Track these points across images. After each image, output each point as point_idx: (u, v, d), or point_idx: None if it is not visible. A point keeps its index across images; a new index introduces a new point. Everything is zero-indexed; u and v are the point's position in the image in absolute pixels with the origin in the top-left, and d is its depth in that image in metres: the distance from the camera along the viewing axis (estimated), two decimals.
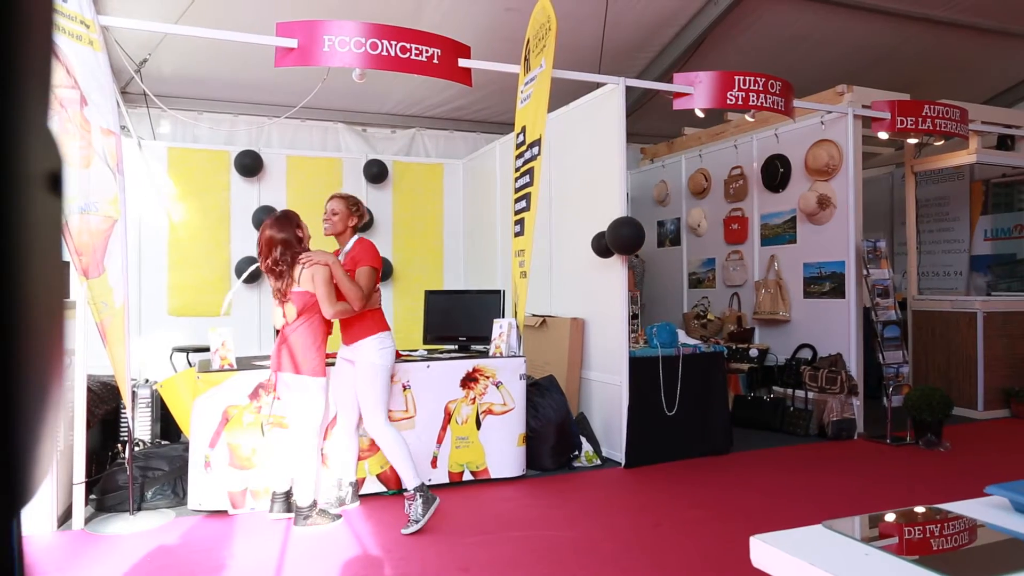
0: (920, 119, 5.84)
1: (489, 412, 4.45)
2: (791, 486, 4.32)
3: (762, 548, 0.87)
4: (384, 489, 4.18)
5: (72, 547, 3.42)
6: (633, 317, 5.13)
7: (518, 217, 4.52)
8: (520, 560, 3.18)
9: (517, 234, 4.56)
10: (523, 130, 4.47)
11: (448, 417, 4.35)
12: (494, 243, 6.69)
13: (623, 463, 4.77)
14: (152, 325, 6.21)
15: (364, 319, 3.68)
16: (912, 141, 6.45)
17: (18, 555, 0.38)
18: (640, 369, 4.87)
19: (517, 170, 4.56)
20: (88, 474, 3.87)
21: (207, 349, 5.65)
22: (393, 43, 4.10)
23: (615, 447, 4.89)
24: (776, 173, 6.25)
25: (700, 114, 5.30)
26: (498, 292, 4.97)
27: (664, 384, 4.92)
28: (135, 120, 6.25)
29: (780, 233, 6.28)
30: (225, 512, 3.84)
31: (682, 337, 5.26)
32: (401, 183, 7.21)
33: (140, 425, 4.82)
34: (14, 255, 0.35)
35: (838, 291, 5.76)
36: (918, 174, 7.04)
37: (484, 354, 4.59)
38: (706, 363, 5.16)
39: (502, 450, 4.47)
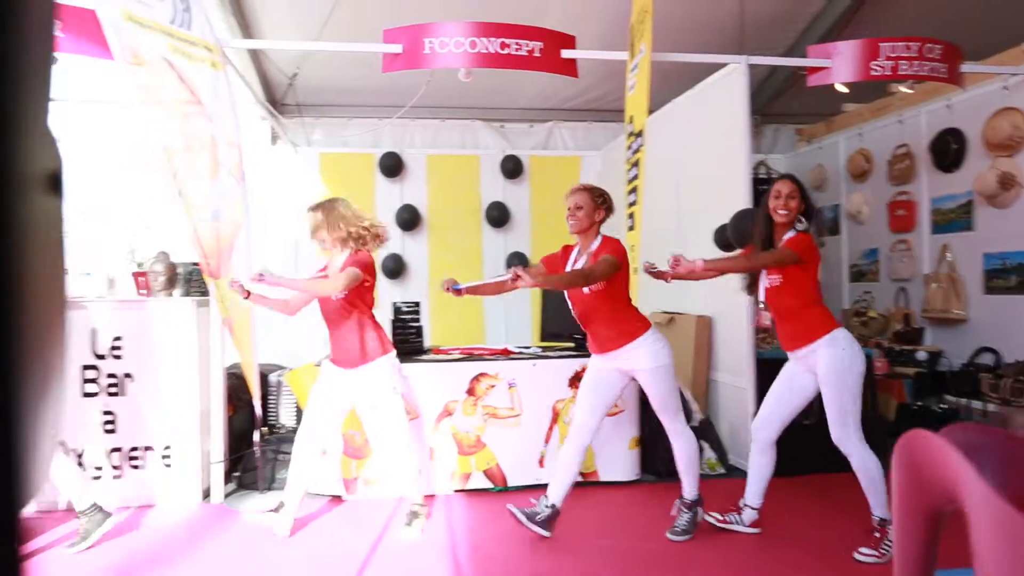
0: None
1: None
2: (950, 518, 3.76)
3: None
4: (490, 485, 4.21)
5: (209, 519, 3.81)
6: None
7: (629, 211, 4.34)
8: (604, 573, 3.06)
9: (629, 228, 4.38)
10: (631, 120, 4.28)
11: (555, 416, 4.29)
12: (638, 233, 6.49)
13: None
14: (307, 316, 6.73)
15: (632, 319, 3.38)
16: None
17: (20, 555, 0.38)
18: (772, 372, 4.45)
19: (627, 161, 4.38)
20: (231, 454, 4.31)
21: None
22: (492, 40, 4.10)
23: (742, 455, 4.55)
24: (948, 150, 5.45)
25: (843, 89, 4.76)
26: None
27: None
28: (291, 129, 6.80)
29: (954, 219, 5.47)
30: (340, 497, 4.08)
31: None
32: (537, 177, 7.21)
33: (284, 411, 5.26)
34: (13, 255, 0.36)
35: None
36: None
37: None
38: None
39: (612, 452, 4.34)
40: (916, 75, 4.59)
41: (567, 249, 3.56)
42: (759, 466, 3.46)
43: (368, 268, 3.38)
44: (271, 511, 3.51)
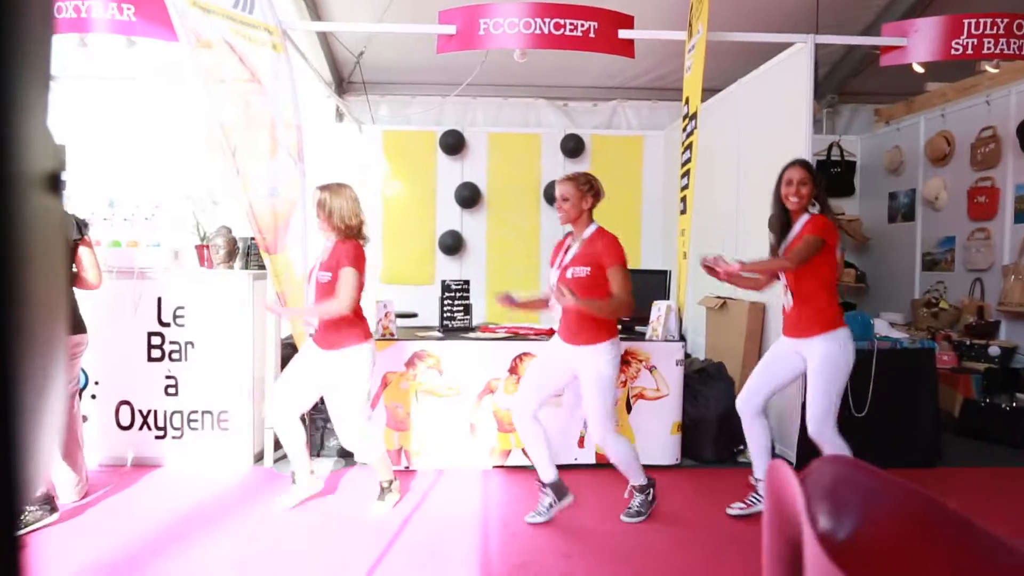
0: None
1: (641, 396, 4.32)
2: (1002, 519, 3.58)
3: None
4: (529, 463, 4.27)
5: (256, 481, 4.03)
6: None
7: (681, 195, 4.26)
8: (628, 554, 3.08)
9: (682, 212, 4.31)
10: (687, 101, 4.18)
11: None
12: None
13: (795, 464, 4.33)
14: (366, 292, 6.93)
15: (604, 321, 3.28)
16: None
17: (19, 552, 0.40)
18: None
19: (681, 144, 4.29)
20: None
21: (414, 315, 6.21)
22: (546, 20, 4.08)
23: (788, 445, 4.46)
24: None
25: (918, 69, 4.51)
26: (664, 272, 4.75)
27: (852, 381, 4.34)
28: (357, 106, 6.95)
29: None
30: None
31: (884, 329, 4.59)
32: (599, 157, 7.14)
33: None
34: (13, 255, 0.37)
35: None
36: None
37: (641, 336, 4.44)
38: (911, 360, 4.44)
39: (653, 437, 4.32)
40: (1001, 54, 4.31)
41: (564, 240, 3.49)
42: (755, 437, 3.51)
43: (360, 261, 3.40)
44: (293, 484, 3.66)
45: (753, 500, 3.55)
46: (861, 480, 0.56)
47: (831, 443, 3.25)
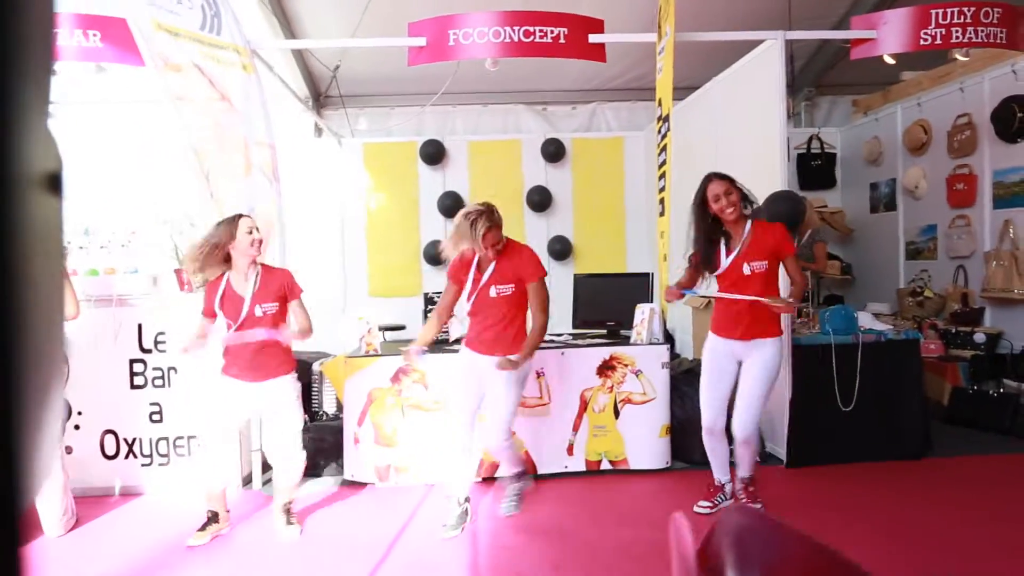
0: None
1: (628, 401, 4.31)
2: (994, 506, 3.58)
3: None
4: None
5: (244, 505, 3.99)
6: (803, 300, 4.58)
7: (660, 196, 4.26)
8: (621, 562, 3.07)
9: (660, 214, 4.31)
10: (660, 103, 4.19)
11: (584, 405, 4.29)
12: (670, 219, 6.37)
13: (785, 461, 4.33)
14: (355, 306, 6.91)
15: (524, 328, 3.44)
16: None
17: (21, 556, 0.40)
18: (810, 358, 4.35)
19: (657, 146, 4.29)
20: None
21: (402, 327, 6.19)
22: (516, 28, 4.07)
23: (779, 443, 4.46)
24: (1013, 119, 5.11)
25: (889, 60, 4.52)
26: (647, 275, 4.75)
27: (838, 375, 4.36)
28: (336, 120, 6.93)
29: (1018, 193, 5.15)
30: (373, 484, 4.21)
31: (868, 322, 4.60)
32: (580, 160, 7.13)
33: (326, 399, 5.43)
34: (13, 256, 0.36)
35: None
36: None
37: (625, 340, 4.44)
38: (897, 352, 4.45)
39: (643, 441, 4.31)
40: (970, 42, 4.32)
41: (466, 258, 3.41)
42: (720, 452, 3.66)
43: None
44: (199, 531, 3.42)
45: (719, 500, 3.65)
46: (764, 532, 0.55)
47: (756, 437, 3.51)
